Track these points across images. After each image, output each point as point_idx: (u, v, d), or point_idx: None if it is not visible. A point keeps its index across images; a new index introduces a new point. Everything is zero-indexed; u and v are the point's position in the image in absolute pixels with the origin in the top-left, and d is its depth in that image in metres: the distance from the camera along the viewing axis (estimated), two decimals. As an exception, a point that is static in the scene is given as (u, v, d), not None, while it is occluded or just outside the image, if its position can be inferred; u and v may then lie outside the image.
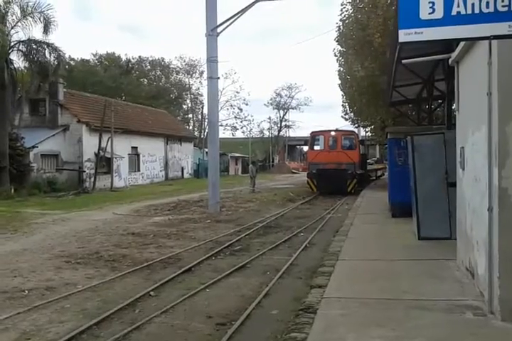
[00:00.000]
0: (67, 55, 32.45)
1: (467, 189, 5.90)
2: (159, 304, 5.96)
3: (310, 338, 4.22)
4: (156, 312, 5.61)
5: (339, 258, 7.39)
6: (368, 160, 33.54)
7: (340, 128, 28.72)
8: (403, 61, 6.61)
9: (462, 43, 5.48)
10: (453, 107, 14.55)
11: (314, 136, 24.93)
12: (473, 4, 3.24)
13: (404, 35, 3.35)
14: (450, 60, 6.41)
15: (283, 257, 8.65)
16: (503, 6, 3.17)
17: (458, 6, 3.27)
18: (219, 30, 16.10)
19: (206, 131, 57.97)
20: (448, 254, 7.10)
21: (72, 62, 48.31)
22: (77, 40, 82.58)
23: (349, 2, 21.78)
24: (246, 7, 16.02)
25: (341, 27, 22.82)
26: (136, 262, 8.34)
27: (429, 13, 3.32)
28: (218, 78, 16.83)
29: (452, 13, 3.29)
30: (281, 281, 6.98)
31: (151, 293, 6.46)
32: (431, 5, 3.32)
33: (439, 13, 3.32)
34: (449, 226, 8.36)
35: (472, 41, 4.98)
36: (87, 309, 5.83)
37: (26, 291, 6.55)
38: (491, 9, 3.19)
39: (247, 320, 5.35)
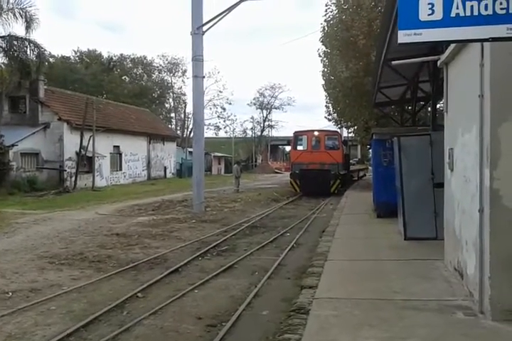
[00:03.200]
0: (47, 52, 31.82)
1: (456, 190, 5.95)
2: (147, 306, 5.89)
3: (304, 339, 4.20)
4: (145, 313, 5.54)
5: (328, 259, 7.40)
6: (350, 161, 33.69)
7: (324, 129, 28.79)
8: (393, 62, 6.64)
9: (452, 45, 5.53)
10: (438, 108, 14.75)
11: (297, 136, 24.75)
12: (472, 6, 3.26)
13: (404, 36, 3.35)
14: (439, 62, 6.46)
15: (270, 257, 8.64)
16: (501, 9, 3.20)
17: (457, 8, 3.29)
18: (204, 28, 15.99)
19: (189, 130, 57.80)
20: (435, 254, 7.17)
21: (52, 59, 47.41)
22: (56, 37, 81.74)
23: (333, 3, 21.86)
24: (232, 6, 15.95)
25: (326, 27, 22.88)
26: (121, 263, 8.24)
27: (429, 15, 3.33)
28: (204, 77, 16.74)
29: (451, 15, 3.30)
30: (270, 282, 6.97)
31: (139, 294, 6.38)
32: (430, 6, 3.33)
33: (438, 15, 3.32)
34: (435, 226, 8.44)
35: (463, 43, 5.03)
36: (74, 311, 5.73)
37: (10, 293, 6.41)
38: (490, 11, 3.22)
39: (238, 321, 5.32)
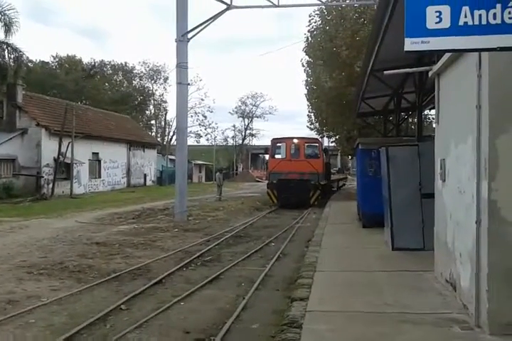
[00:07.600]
0: (25, 57, 31.09)
1: (448, 201, 5.91)
2: (132, 318, 5.66)
3: (300, 355, 4.05)
4: (129, 327, 5.30)
5: (317, 270, 7.27)
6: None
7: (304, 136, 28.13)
8: (385, 72, 6.62)
9: (446, 56, 5.52)
10: (430, 118, 14.83)
11: (275, 144, 23.27)
12: (480, 15, 3.23)
13: (411, 44, 3.29)
14: (430, 73, 6.45)
15: (256, 268, 8.48)
16: (509, 18, 3.16)
17: (465, 17, 3.25)
18: (189, 35, 15.90)
19: (169, 137, 57.37)
20: (424, 265, 7.11)
21: (30, 64, 46.56)
22: (34, 42, 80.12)
23: (317, 14, 22.06)
24: (217, 14, 15.94)
25: (309, 38, 23.06)
26: (103, 273, 7.96)
27: (436, 23, 3.28)
28: (188, 84, 16.61)
29: (459, 24, 3.27)
30: (258, 293, 6.79)
31: (122, 306, 6.13)
32: (438, 14, 3.28)
33: (446, 23, 3.28)
34: (422, 237, 8.43)
35: (457, 53, 5.02)
36: (54, 324, 5.46)
37: (-14, 305, 6.10)
38: (498, 21, 3.19)
39: (227, 334, 5.12)
